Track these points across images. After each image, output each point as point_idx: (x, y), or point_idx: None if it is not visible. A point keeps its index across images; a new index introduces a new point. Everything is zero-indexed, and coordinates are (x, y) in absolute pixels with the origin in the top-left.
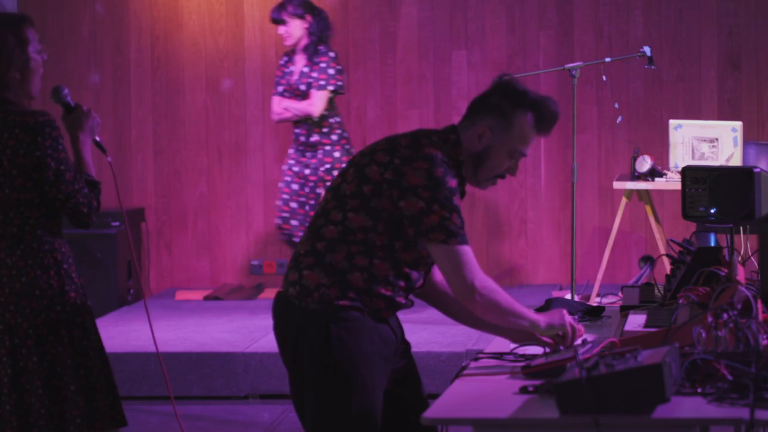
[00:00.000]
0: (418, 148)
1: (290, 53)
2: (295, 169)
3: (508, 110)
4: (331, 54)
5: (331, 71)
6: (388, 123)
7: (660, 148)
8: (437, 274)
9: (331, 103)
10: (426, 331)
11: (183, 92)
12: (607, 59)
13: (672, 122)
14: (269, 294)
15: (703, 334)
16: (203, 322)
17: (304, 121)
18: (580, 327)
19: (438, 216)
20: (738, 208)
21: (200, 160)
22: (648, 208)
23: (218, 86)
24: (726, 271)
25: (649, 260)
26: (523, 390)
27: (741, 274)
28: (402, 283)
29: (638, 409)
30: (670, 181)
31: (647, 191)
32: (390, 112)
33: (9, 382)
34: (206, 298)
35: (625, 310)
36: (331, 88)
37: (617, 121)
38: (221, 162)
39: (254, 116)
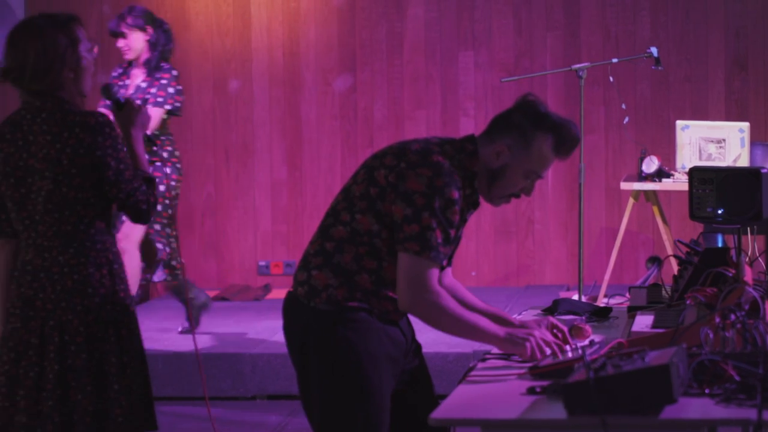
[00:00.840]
0: (427, 155)
1: (126, 66)
2: None
3: (529, 131)
4: (174, 72)
5: (171, 90)
6: (395, 124)
7: (667, 149)
8: (446, 278)
9: (164, 124)
10: (433, 332)
11: (190, 93)
12: (614, 60)
13: (679, 123)
14: (277, 294)
15: (711, 335)
16: (211, 322)
17: None
18: (551, 340)
19: (421, 226)
20: (745, 208)
21: (207, 161)
22: (655, 209)
23: (225, 87)
24: (733, 271)
25: (656, 261)
26: (531, 391)
27: (748, 275)
28: None
29: (646, 410)
30: (678, 182)
31: (654, 192)
32: (397, 112)
33: (54, 378)
34: (214, 299)
35: (633, 310)
36: (168, 107)
37: (624, 122)
38: (228, 163)
39: (261, 117)
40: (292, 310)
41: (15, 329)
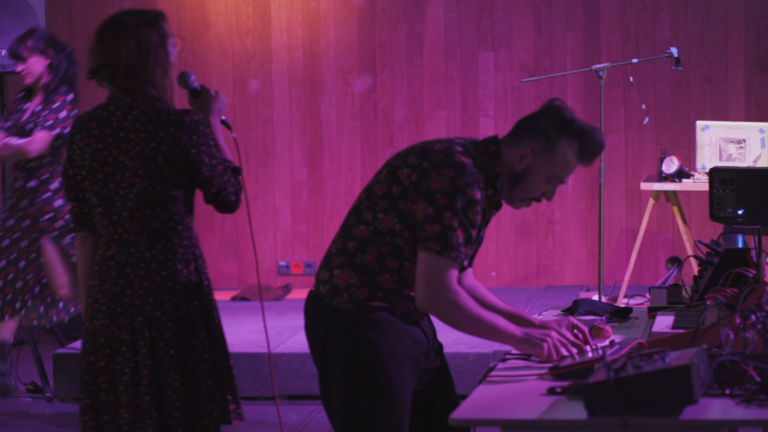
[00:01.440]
0: (450, 155)
1: (30, 90)
2: (9, 223)
3: (553, 135)
4: (70, 96)
5: (63, 114)
6: (415, 124)
7: (687, 149)
8: (467, 278)
9: (55, 150)
10: (454, 332)
11: None
12: (634, 60)
13: (699, 123)
14: (297, 294)
15: (731, 336)
16: (231, 322)
17: (24, 164)
18: (569, 343)
19: (442, 225)
20: (766, 208)
21: None
22: (675, 210)
23: (245, 87)
24: (754, 272)
25: (676, 261)
26: (551, 391)
27: None
28: None
29: (666, 411)
30: (698, 182)
31: (674, 192)
32: (417, 113)
33: (149, 373)
34: (234, 299)
35: (653, 311)
36: (57, 131)
37: (644, 123)
38: (248, 163)
39: (281, 117)
40: (313, 309)
41: (104, 326)
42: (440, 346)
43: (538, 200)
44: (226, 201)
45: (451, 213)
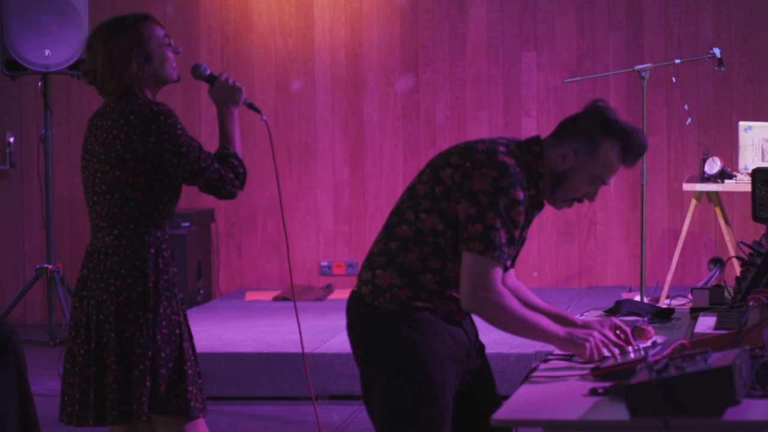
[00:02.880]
0: (493, 155)
1: None
2: None
3: (596, 136)
4: None
5: None
6: (457, 124)
7: (729, 150)
8: (509, 278)
9: None
10: (495, 332)
11: (253, 93)
12: (677, 61)
13: (742, 124)
14: (339, 295)
15: None
16: (273, 322)
17: None
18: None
19: (485, 226)
20: None
21: (269, 162)
22: (717, 210)
23: (288, 87)
24: None
25: (718, 262)
26: (593, 392)
27: None
28: None
29: (708, 412)
30: (740, 183)
31: (717, 193)
32: (459, 113)
33: (92, 355)
34: (276, 299)
35: (695, 312)
36: None
37: (687, 123)
38: (291, 163)
39: (323, 118)
40: (355, 309)
41: (74, 308)
42: (482, 347)
43: (580, 201)
44: (212, 186)
45: (494, 213)
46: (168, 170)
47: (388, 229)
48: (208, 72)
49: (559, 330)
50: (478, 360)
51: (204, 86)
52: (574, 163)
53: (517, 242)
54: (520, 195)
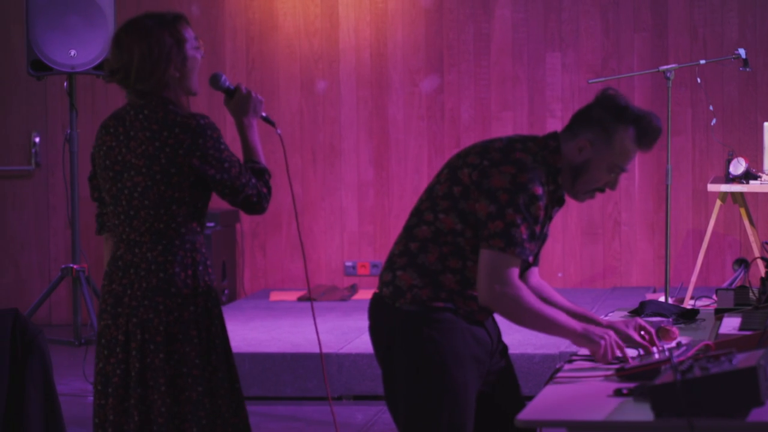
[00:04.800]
0: (510, 152)
1: None
2: None
3: (610, 124)
4: None
5: None
6: (482, 124)
7: (755, 151)
8: (533, 277)
9: None
10: (520, 333)
11: (278, 93)
12: (702, 61)
13: (767, 124)
14: (363, 295)
15: None
16: (297, 322)
17: None
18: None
19: (505, 222)
20: None
21: (294, 162)
22: (742, 211)
23: (313, 88)
24: None
25: (743, 263)
26: (618, 392)
27: None
28: None
29: (733, 413)
30: (765, 184)
31: (742, 194)
32: (484, 113)
33: (136, 376)
34: (300, 299)
35: (720, 312)
36: None
37: (712, 124)
38: (315, 163)
39: (348, 118)
40: (377, 311)
41: (107, 326)
42: (505, 348)
43: (602, 191)
44: (248, 203)
45: (513, 209)
46: (209, 185)
47: (408, 230)
48: (228, 83)
49: (576, 325)
50: (502, 361)
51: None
52: (591, 154)
53: (538, 237)
54: (539, 190)
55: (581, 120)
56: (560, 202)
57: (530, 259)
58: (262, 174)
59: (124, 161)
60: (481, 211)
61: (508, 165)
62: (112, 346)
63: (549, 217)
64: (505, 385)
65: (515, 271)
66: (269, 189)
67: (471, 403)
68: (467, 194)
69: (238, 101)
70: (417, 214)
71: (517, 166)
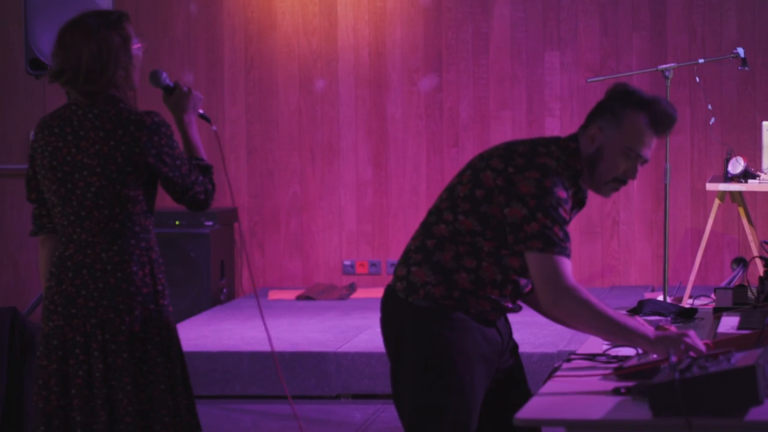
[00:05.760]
0: (533, 157)
1: None
2: None
3: (619, 109)
4: None
5: None
6: (481, 124)
7: (753, 150)
8: None
9: None
10: (518, 332)
11: (276, 92)
12: (701, 60)
13: (765, 124)
14: (361, 294)
15: None
16: (295, 321)
17: None
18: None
19: (540, 224)
20: None
21: (293, 161)
22: (741, 210)
23: (311, 87)
24: None
25: (741, 262)
26: (616, 391)
27: None
28: (509, 288)
29: (731, 412)
30: (764, 183)
31: (740, 193)
32: (482, 112)
33: (101, 376)
34: (299, 298)
35: (718, 312)
36: None
37: (710, 123)
38: (314, 162)
39: (347, 117)
40: (389, 304)
41: (58, 327)
42: (516, 346)
43: (624, 182)
44: (195, 200)
45: (543, 213)
46: (162, 184)
47: (426, 227)
48: (167, 80)
49: (648, 331)
50: (511, 359)
51: (230, 87)
52: (603, 140)
53: (569, 238)
54: (563, 194)
55: (593, 113)
56: (581, 205)
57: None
58: (207, 171)
59: (75, 162)
60: (515, 215)
61: (533, 170)
62: (69, 348)
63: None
64: (513, 383)
65: (566, 269)
66: (214, 186)
67: (476, 402)
68: (490, 198)
69: (178, 98)
70: (437, 212)
71: (541, 171)
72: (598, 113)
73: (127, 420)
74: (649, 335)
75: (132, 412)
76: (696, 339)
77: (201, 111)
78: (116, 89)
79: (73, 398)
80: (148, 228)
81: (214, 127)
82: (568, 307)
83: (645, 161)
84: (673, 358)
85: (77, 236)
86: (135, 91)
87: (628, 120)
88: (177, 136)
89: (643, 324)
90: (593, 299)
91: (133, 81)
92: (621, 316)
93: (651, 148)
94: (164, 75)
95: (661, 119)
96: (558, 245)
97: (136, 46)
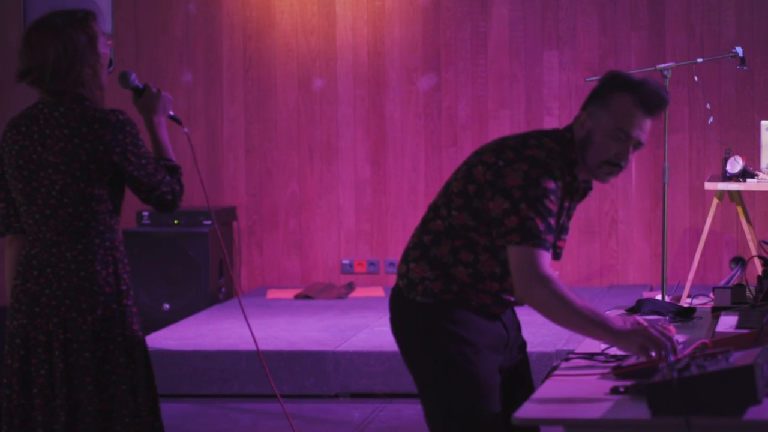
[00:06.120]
0: (523, 149)
1: None
2: None
3: (606, 92)
4: None
5: None
6: (479, 123)
7: (752, 149)
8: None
9: None
10: None
11: (275, 92)
12: (699, 60)
13: (764, 123)
14: (360, 293)
15: None
16: (294, 320)
17: None
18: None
19: (520, 217)
20: None
21: (291, 160)
22: (739, 209)
23: (310, 86)
24: None
25: (740, 261)
26: (614, 390)
27: None
28: (509, 281)
29: (730, 411)
30: (762, 182)
31: (738, 192)
32: (481, 111)
33: (61, 375)
34: (297, 297)
35: (717, 311)
36: None
37: (709, 122)
38: (312, 161)
39: (345, 116)
40: (394, 302)
41: (22, 326)
42: (524, 343)
43: (617, 164)
44: (162, 200)
45: (526, 204)
46: (127, 183)
47: (424, 224)
48: (136, 82)
49: (615, 325)
50: (519, 355)
51: (229, 86)
52: (592, 124)
53: (554, 230)
54: (551, 185)
55: (585, 102)
56: (583, 195)
57: (550, 250)
58: (175, 171)
59: (40, 160)
60: (497, 209)
61: (521, 162)
62: (32, 347)
63: (569, 211)
64: (519, 380)
65: (542, 261)
66: (182, 186)
67: (492, 389)
68: (481, 193)
69: (148, 99)
70: (434, 208)
71: (529, 162)
72: (587, 100)
73: (87, 420)
74: (613, 329)
75: (93, 412)
76: (665, 329)
77: (171, 113)
78: (83, 88)
79: (35, 397)
80: (113, 227)
81: (186, 129)
82: (538, 297)
83: (638, 144)
84: (672, 357)
85: (42, 235)
86: (103, 90)
87: (615, 101)
88: (144, 136)
89: (612, 319)
90: (566, 291)
91: (101, 80)
92: (591, 310)
93: (644, 130)
94: (133, 76)
95: (648, 98)
96: (536, 237)
97: (103, 45)
